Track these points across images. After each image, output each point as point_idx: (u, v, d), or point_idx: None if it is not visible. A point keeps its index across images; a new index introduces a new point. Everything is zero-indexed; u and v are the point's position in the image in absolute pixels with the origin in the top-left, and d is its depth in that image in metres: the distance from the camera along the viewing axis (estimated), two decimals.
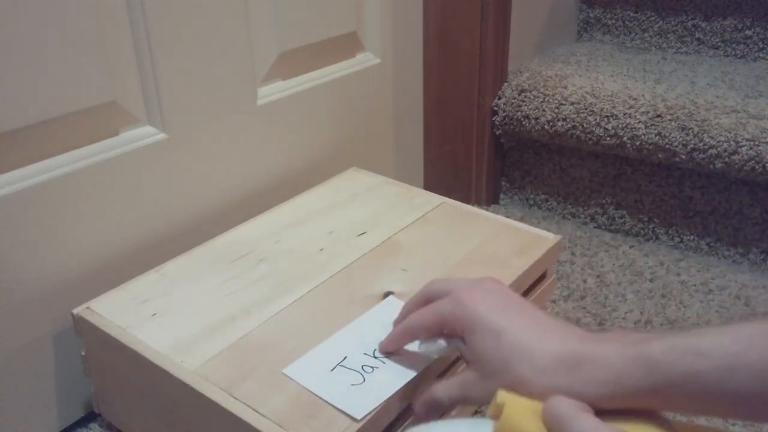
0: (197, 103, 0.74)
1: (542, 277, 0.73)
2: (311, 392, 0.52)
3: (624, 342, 0.39)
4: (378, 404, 0.50)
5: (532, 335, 0.43)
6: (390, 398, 0.51)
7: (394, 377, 0.53)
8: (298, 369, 0.54)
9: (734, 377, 0.36)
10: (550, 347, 0.41)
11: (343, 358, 0.55)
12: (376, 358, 0.55)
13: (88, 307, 0.63)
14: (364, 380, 0.52)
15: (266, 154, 0.84)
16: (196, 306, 0.62)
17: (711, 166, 0.90)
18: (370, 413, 0.50)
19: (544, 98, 1.01)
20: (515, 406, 0.39)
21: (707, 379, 0.36)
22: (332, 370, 0.54)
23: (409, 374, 0.53)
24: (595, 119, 0.97)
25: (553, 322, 0.44)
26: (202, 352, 0.56)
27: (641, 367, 0.38)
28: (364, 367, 0.54)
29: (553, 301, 0.87)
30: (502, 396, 0.40)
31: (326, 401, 0.51)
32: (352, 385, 0.52)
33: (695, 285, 0.90)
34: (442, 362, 0.57)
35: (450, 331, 0.49)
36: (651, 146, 0.93)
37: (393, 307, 0.60)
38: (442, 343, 0.52)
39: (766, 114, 0.88)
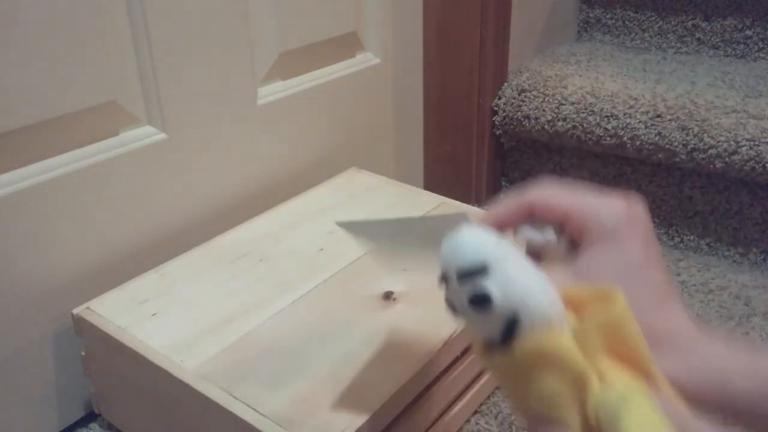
0: (197, 103, 0.74)
1: None
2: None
3: (717, 359, 0.36)
4: None
5: (653, 299, 0.37)
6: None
7: None
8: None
9: None
10: (662, 321, 0.37)
11: None
12: None
13: (88, 307, 0.63)
14: None
15: (266, 154, 0.84)
16: (196, 306, 0.62)
17: (711, 166, 0.90)
18: None
19: (544, 98, 1.01)
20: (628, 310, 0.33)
21: None
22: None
23: None
24: (595, 119, 0.97)
25: (675, 295, 0.38)
26: (202, 352, 0.56)
27: (718, 399, 0.35)
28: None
29: None
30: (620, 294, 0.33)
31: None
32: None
33: (695, 285, 0.90)
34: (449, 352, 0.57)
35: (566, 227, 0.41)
36: (651, 146, 0.93)
37: None
38: (551, 233, 0.43)
39: (766, 114, 0.88)
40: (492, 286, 0.32)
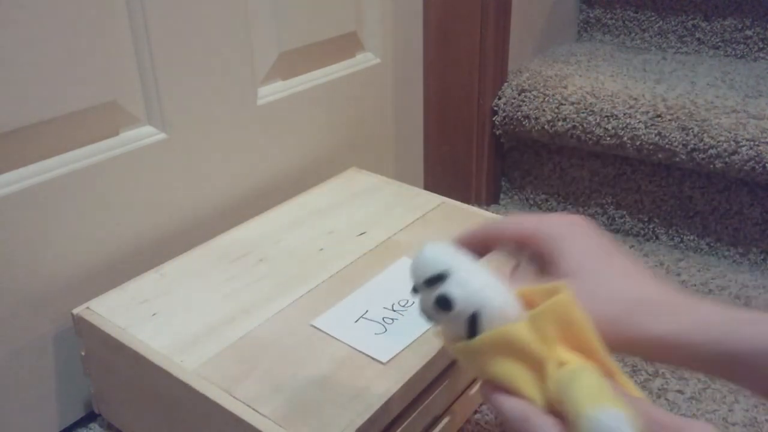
0: (197, 103, 0.74)
1: None
2: (339, 340, 0.57)
3: (711, 317, 0.37)
4: (401, 348, 0.56)
5: (623, 279, 0.40)
6: (411, 346, 0.56)
7: (414, 327, 0.58)
8: (324, 321, 0.60)
9: None
10: (636, 290, 0.39)
11: (365, 312, 0.61)
12: (395, 311, 0.61)
13: (88, 307, 0.63)
14: (386, 330, 0.58)
15: (266, 154, 0.84)
16: (196, 306, 0.62)
17: (711, 166, 0.90)
18: (393, 357, 0.55)
19: (544, 98, 1.01)
20: (573, 300, 0.37)
21: None
22: (356, 321, 0.60)
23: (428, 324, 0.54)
24: (595, 119, 0.97)
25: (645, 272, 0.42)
26: (202, 352, 0.56)
27: (714, 350, 0.36)
28: (384, 319, 0.60)
29: None
30: (566, 290, 0.37)
31: (353, 347, 0.56)
32: (376, 334, 0.58)
33: (695, 285, 0.90)
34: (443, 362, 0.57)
35: (527, 250, 0.45)
36: (651, 146, 0.93)
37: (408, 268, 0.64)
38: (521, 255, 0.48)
39: (766, 114, 0.88)
40: (452, 288, 0.37)
